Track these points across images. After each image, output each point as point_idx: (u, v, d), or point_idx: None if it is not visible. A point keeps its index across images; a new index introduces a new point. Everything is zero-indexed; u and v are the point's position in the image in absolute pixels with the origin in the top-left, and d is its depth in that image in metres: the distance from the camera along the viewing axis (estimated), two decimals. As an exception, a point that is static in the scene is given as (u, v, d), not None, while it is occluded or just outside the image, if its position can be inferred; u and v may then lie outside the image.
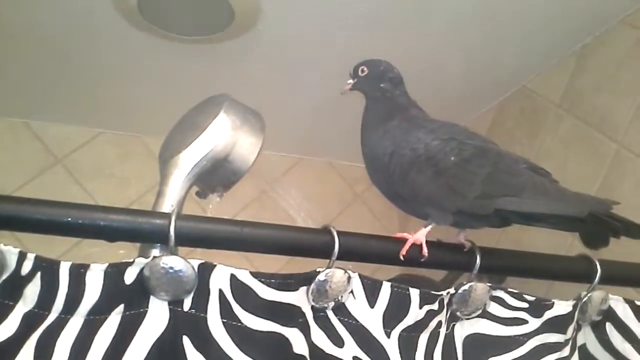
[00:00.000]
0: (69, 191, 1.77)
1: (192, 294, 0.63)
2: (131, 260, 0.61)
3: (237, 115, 0.81)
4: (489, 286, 0.77)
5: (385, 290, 0.72)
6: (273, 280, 0.66)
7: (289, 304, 0.67)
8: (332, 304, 0.69)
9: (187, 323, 0.63)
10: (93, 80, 1.60)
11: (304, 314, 0.67)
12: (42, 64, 1.52)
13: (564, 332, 0.80)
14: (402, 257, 0.73)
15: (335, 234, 0.69)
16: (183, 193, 0.77)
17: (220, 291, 0.64)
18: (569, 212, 0.73)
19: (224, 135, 0.79)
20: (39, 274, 0.59)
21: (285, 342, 0.66)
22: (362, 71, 0.82)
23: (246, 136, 0.81)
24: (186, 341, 0.62)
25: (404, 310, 0.72)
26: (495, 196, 0.72)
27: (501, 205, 0.72)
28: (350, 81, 0.84)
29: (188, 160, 0.77)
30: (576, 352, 0.83)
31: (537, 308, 0.80)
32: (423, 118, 0.80)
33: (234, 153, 0.80)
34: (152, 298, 0.62)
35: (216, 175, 0.80)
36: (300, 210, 2.03)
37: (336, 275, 0.68)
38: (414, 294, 0.73)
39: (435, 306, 0.74)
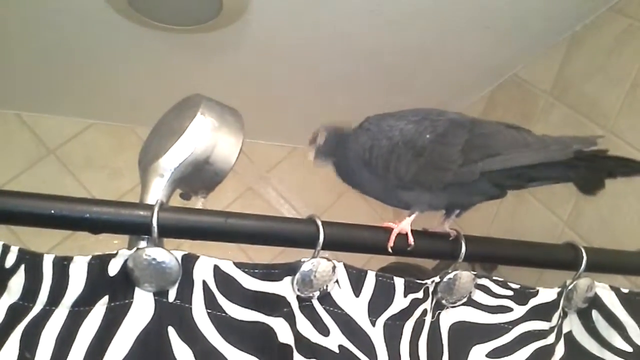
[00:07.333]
0: (62, 183, 1.77)
1: (176, 285, 0.64)
2: (114, 252, 0.62)
3: (215, 115, 0.79)
4: (474, 274, 0.78)
5: (370, 279, 0.72)
6: (257, 271, 0.66)
7: (273, 293, 0.67)
8: (317, 293, 0.69)
9: (172, 314, 0.63)
10: (83, 70, 1.59)
11: (289, 303, 0.68)
12: (32, 55, 1.51)
13: (549, 320, 0.81)
14: (390, 249, 0.73)
15: (320, 224, 0.69)
16: (165, 200, 0.75)
17: (204, 282, 0.64)
18: (553, 158, 0.71)
19: (203, 137, 0.77)
20: (22, 267, 0.59)
21: (270, 331, 0.66)
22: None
23: (226, 136, 0.79)
24: (171, 332, 0.63)
25: (389, 299, 0.73)
26: (479, 160, 0.72)
27: (486, 167, 0.72)
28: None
29: (168, 166, 0.75)
30: (562, 339, 0.84)
31: (522, 296, 0.80)
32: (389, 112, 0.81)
33: (215, 154, 0.78)
34: (136, 289, 0.62)
35: (198, 178, 0.79)
36: (293, 199, 2.03)
37: (321, 265, 0.68)
38: (399, 283, 0.73)
39: (420, 295, 0.74)
